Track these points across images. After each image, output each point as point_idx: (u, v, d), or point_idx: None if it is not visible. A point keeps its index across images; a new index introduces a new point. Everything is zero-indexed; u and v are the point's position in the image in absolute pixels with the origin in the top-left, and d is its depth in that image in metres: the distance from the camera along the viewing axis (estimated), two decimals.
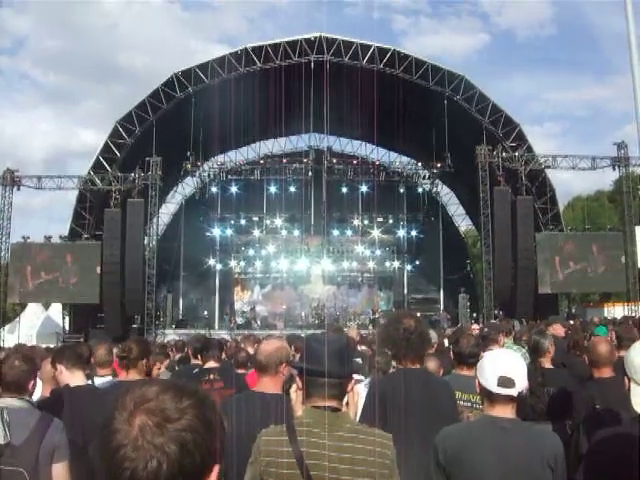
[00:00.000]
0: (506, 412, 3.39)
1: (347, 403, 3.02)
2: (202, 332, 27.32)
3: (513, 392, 3.35)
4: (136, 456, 1.35)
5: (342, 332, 11.40)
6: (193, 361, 8.11)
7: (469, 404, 5.14)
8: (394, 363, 6.52)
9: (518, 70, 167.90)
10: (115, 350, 7.29)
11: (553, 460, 3.26)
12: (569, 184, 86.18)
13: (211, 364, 6.93)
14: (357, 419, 3.45)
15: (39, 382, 5.37)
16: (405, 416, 4.10)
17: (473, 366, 5.66)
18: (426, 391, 4.38)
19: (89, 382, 5.25)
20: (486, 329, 7.88)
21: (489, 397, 3.46)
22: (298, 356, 8.40)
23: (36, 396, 4.84)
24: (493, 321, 13.70)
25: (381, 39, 33.66)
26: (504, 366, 3.42)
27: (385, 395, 4.24)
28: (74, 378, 4.80)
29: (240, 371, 7.19)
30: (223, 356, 7.91)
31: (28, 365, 4.29)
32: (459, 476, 3.35)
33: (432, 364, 5.88)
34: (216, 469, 1.45)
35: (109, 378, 6.38)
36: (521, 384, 3.38)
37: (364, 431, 2.90)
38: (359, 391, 4.65)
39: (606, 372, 5.48)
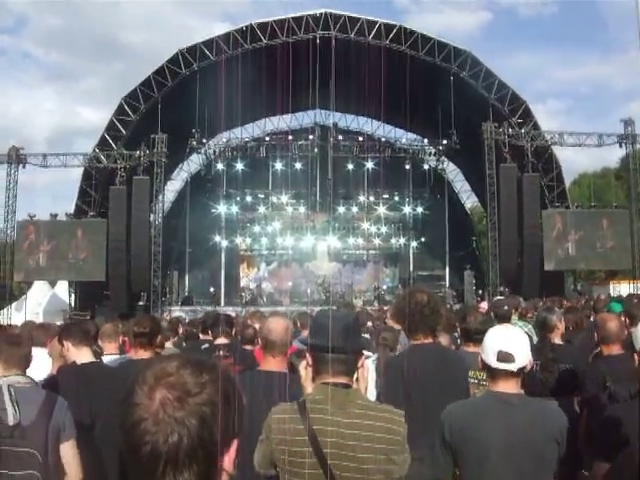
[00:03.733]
0: (510, 387, 3.39)
1: (357, 379, 3.01)
2: (208, 309, 27.53)
3: (512, 367, 3.35)
4: (157, 430, 1.36)
5: (352, 308, 11.44)
6: (202, 337, 8.11)
7: (475, 381, 5.13)
8: (402, 339, 6.53)
9: (520, 48, 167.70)
10: (120, 327, 7.30)
11: (560, 435, 3.26)
12: (575, 161, 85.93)
13: (221, 340, 6.93)
14: (367, 394, 3.45)
15: (49, 359, 5.38)
16: (425, 393, 4.11)
17: (480, 342, 5.68)
18: (444, 367, 4.40)
19: (97, 359, 5.25)
20: (505, 307, 7.80)
21: (490, 372, 3.48)
22: (305, 332, 8.45)
23: (45, 373, 4.86)
24: (499, 297, 13.62)
25: (383, 17, 33.62)
26: (504, 341, 3.43)
27: (403, 373, 4.24)
28: (81, 355, 4.80)
29: (247, 347, 7.19)
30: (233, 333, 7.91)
31: (30, 342, 4.29)
32: (465, 452, 3.36)
33: (444, 339, 5.88)
34: (235, 442, 1.47)
35: (117, 356, 6.38)
36: (522, 360, 3.37)
37: (375, 407, 2.91)
38: (368, 366, 4.67)
39: (615, 349, 5.47)
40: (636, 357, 3.22)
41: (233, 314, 18.00)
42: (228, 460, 1.45)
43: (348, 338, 2.90)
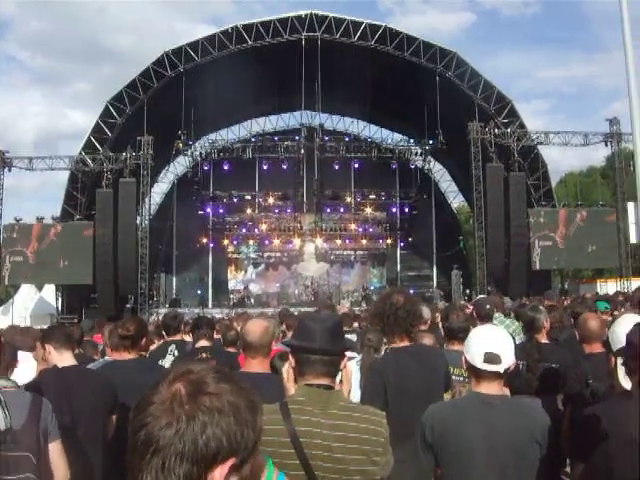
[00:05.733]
0: (493, 389, 3.39)
1: (341, 381, 3.02)
2: (196, 311, 27.52)
3: (499, 368, 3.34)
4: (159, 415, 1.35)
5: (334, 309, 11.43)
6: (169, 338, 8.02)
7: (461, 379, 5.16)
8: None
9: (504, 48, 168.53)
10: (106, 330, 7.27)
11: (541, 436, 3.27)
12: (561, 161, 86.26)
13: (203, 343, 6.92)
14: (352, 395, 3.45)
15: (34, 363, 5.36)
16: (403, 396, 4.11)
17: (463, 340, 5.71)
18: (421, 369, 4.39)
19: (79, 363, 5.23)
20: (487, 306, 7.81)
21: (475, 373, 3.45)
22: (290, 333, 8.44)
23: (30, 377, 4.84)
24: (481, 296, 13.63)
25: (367, 18, 33.62)
26: (490, 342, 3.41)
27: (384, 378, 4.25)
28: (62, 359, 4.77)
29: (229, 349, 7.19)
30: (216, 335, 7.90)
31: (13, 346, 4.28)
32: (448, 452, 3.36)
33: (427, 340, 5.89)
34: (231, 461, 1.39)
35: (99, 360, 6.36)
36: (508, 360, 3.36)
37: (357, 409, 2.91)
38: (352, 368, 4.66)
39: (597, 347, 5.49)
40: (612, 358, 3.23)
41: (220, 316, 18.04)
42: (218, 476, 1.38)
43: (331, 340, 2.90)
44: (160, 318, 20.62)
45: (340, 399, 2.89)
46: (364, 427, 2.79)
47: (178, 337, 7.86)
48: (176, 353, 7.31)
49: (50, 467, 3.83)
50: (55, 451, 3.88)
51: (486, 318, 7.40)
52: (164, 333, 8.22)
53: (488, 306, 7.78)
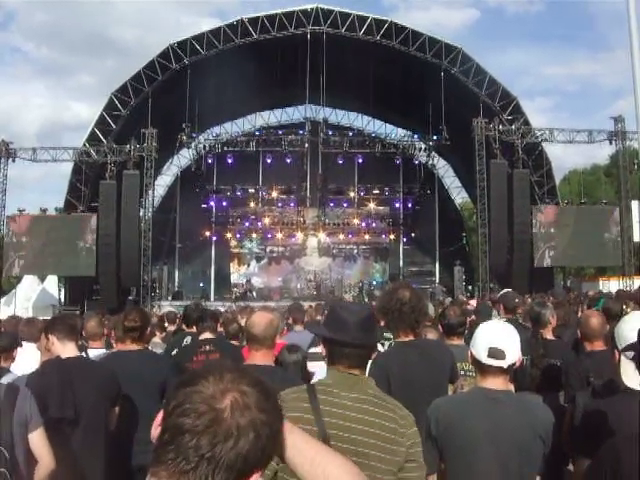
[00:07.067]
0: (498, 384, 3.39)
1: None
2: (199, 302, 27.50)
3: (503, 364, 3.34)
4: (211, 425, 1.34)
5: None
6: (187, 330, 8.08)
7: (462, 372, 5.16)
8: (386, 334, 6.55)
9: (508, 45, 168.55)
10: (105, 321, 7.27)
11: (544, 432, 3.27)
12: (565, 158, 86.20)
13: (207, 335, 6.92)
14: None
15: (38, 353, 5.36)
16: (407, 391, 4.11)
17: (462, 335, 5.74)
18: (425, 363, 4.39)
19: (82, 354, 5.23)
20: (516, 300, 7.95)
21: (480, 368, 3.46)
22: (297, 327, 8.47)
23: (33, 367, 4.84)
24: (507, 290, 13.69)
25: (371, 13, 33.60)
26: (495, 337, 3.41)
27: (387, 370, 4.24)
28: (66, 349, 4.76)
29: (233, 342, 7.19)
30: (220, 328, 7.90)
31: (11, 337, 4.26)
32: (452, 446, 3.37)
33: (432, 335, 5.91)
34: (257, 476, 1.43)
35: (102, 351, 6.37)
36: (512, 356, 3.37)
37: (385, 398, 2.93)
38: None
39: (598, 345, 5.51)
40: (617, 354, 3.24)
41: (222, 309, 18.06)
42: None
43: (365, 332, 2.91)
44: (162, 311, 20.71)
45: (368, 386, 2.91)
46: (387, 415, 2.80)
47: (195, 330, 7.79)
48: None
49: (30, 457, 3.80)
50: (37, 440, 3.85)
51: (513, 311, 7.49)
52: (184, 325, 8.25)
53: (517, 300, 7.85)
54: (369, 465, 2.69)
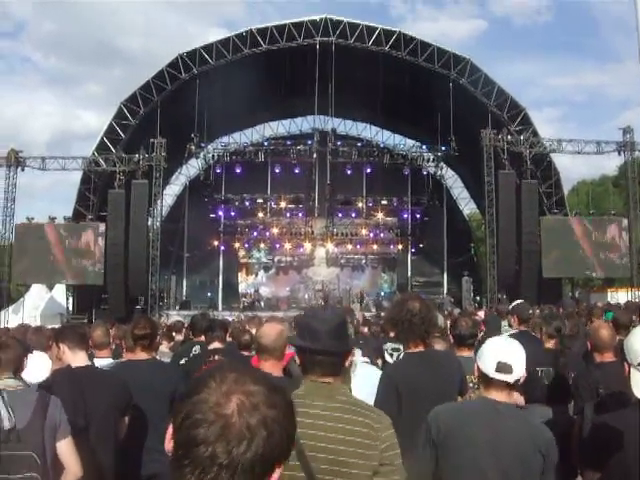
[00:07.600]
0: (501, 397, 3.39)
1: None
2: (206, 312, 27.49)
3: (510, 378, 3.35)
4: (222, 433, 1.34)
5: (353, 314, 11.51)
6: (195, 339, 8.08)
7: (471, 384, 5.16)
8: (389, 345, 6.54)
9: (515, 56, 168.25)
10: (112, 331, 7.27)
11: (545, 448, 3.26)
12: (573, 169, 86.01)
13: (215, 345, 6.92)
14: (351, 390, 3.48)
15: (49, 362, 5.39)
16: (416, 402, 4.11)
17: (472, 346, 5.73)
18: (435, 374, 4.40)
19: (92, 363, 5.25)
20: (530, 311, 8.01)
21: (486, 381, 3.46)
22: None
23: (44, 376, 4.85)
24: (519, 301, 13.74)
25: (379, 24, 33.60)
26: (504, 352, 3.42)
27: (396, 381, 4.25)
28: (77, 358, 4.79)
29: (244, 353, 7.20)
30: (228, 338, 7.91)
31: (23, 345, 4.30)
32: (452, 450, 3.35)
33: (440, 346, 5.91)
34: (279, 471, 1.43)
35: (109, 360, 6.38)
36: (519, 371, 3.37)
37: (358, 404, 2.93)
38: (356, 362, 4.70)
39: (608, 356, 5.50)
40: (626, 366, 3.23)
41: (229, 319, 18.06)
42: None
43: (336, 340, 2.92)
44: (170, 320, 20.72)
45: (341, 394, 2.92)
46: (361, 421, 2.80)
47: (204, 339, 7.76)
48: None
49: (58, 464, 3.85)
50: (65, 449, 3.89)
51: (527, 322, 7.49)
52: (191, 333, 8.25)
53: (530, 311, 7.88)
54: (348, 473, 2.71)
